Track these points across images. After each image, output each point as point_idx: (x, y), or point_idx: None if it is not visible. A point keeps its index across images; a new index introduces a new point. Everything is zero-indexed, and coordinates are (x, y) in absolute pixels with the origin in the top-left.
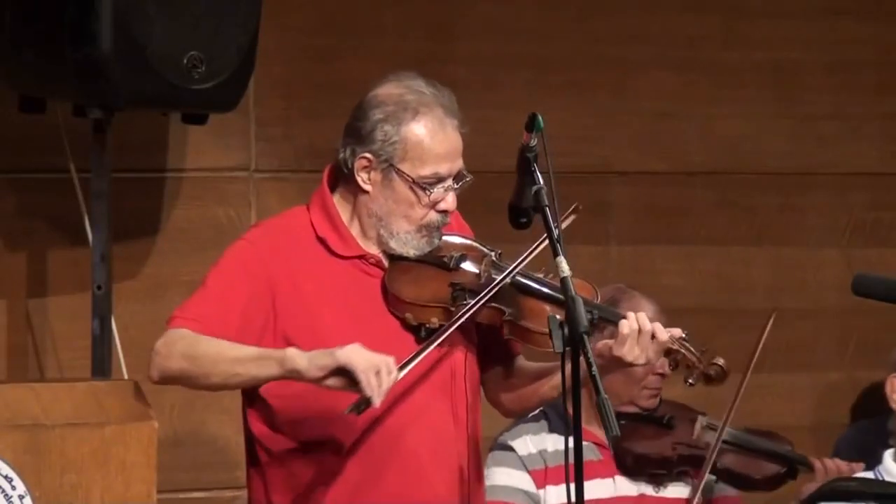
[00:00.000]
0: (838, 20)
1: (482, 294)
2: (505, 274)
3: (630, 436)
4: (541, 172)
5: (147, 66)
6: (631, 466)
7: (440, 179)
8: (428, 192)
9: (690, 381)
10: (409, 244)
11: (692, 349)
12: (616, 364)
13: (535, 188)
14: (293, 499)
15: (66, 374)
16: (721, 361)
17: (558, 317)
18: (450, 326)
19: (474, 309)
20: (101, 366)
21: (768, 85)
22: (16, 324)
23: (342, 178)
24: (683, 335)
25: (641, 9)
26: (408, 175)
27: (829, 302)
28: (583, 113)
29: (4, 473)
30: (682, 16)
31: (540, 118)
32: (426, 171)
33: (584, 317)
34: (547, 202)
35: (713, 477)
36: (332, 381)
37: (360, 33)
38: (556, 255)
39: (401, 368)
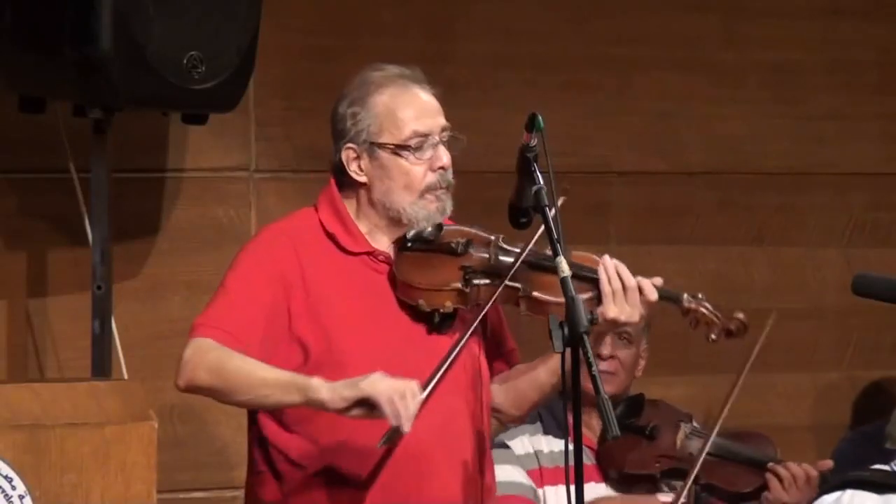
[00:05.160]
0: (838, 20)
1: (491, 299)
2: (525, 247)
3: (612, 450)
4: (541, 172)
5: (147, 66)
6: (615, 480)
7: (422, 136)
8: (413, 151)
9: (713, 336)
10: (419, 215)
11: (710, 307)
12: (612, 326)
13: (535, 188)
14: (306, 497)
15: (66, 374)
16: (741, 315)
17: (558, 315)
18: (463, 336)
19: (485, 310)
20: (101, 366)
21: (768, 85)
22: (16, 324)
23: (342, 187)
24: (699, 295)
25: (641, 9)
26: (389, 144)
27: (829, 302)
28: (583, 113)
29: (4, 473)
30: (682, 16)
31: (540, 118)
32: (405, 132)
33: (584, 317)
34: (547, 202)
35: (705, 494)
36: (356, 412)
37: (360, 33)
38: (556, 255)
39: (424, 389)
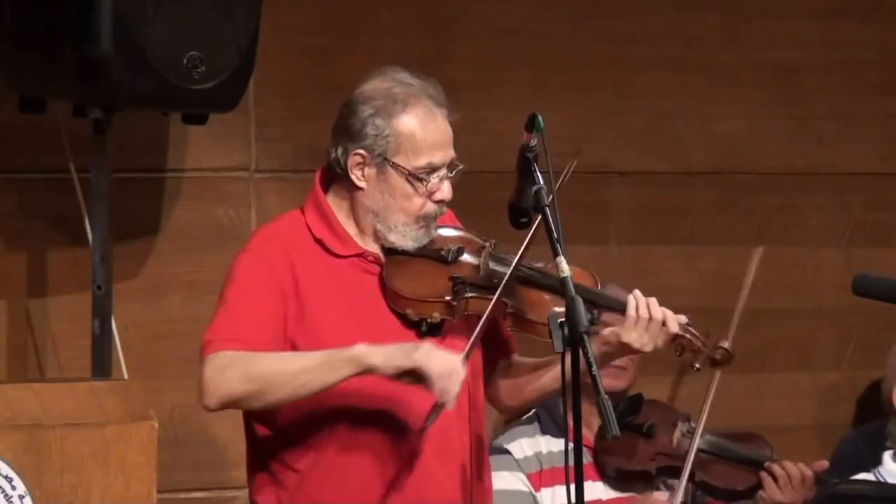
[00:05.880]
0: (838, 20)
1: (507, 276)
2: (515, 262)
3: (610, 447)
4: (541, 172)
5: (147, 66)
6: (612, 478)
7: (435, 169)
8: (424, 183)
9: (696, 365)
10: (407, 236)
11: (697, 334)
12: (622, 351)
13: (535, 188)
14: (302, 501)
15: (66, 374)
16: (726, 344)
17: (558, 313)
18: (489, 307)
19: (483, 322)
20: (101, 366)
21: (768, 85)
22: (16, 324)
23: (335, 180)
24: (686, 321)
25: (641, 9)
26: (403, 167)
27: (829, 302)
28: (583, 113)
29: (4, 473)
30: (682, 16)
31: (540, 118)
32: (421, 161)
33: (584, 317)
34: (547, 202)
35: (699, 491)
36: (405, 380)
37: (360, 33)
38: (556, 255)
39: (463, 363)
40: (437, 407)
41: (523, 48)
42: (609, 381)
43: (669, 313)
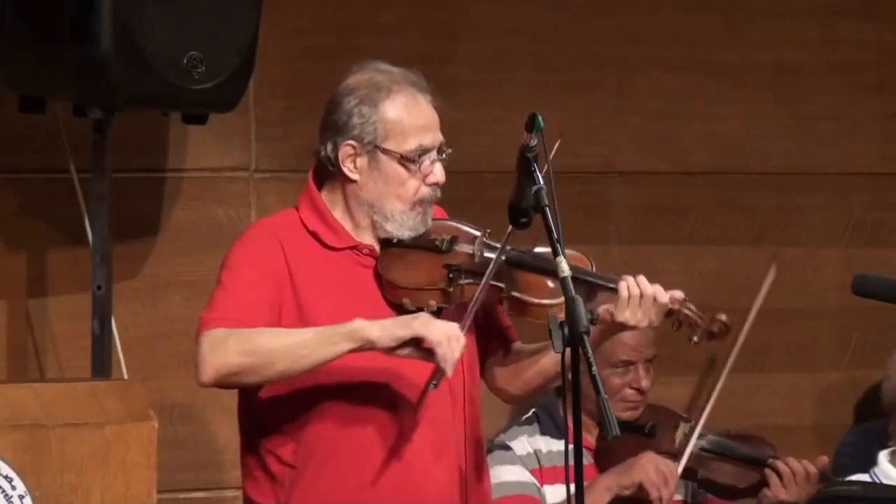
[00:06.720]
0: (838, 20)
1: (499, 252)
2: (495, 264)
3: (612, 448)
4: (541, 172)
5: (147, 66)
6: None
7: (425, 151)
8: (417, 164)
9: (694, 339)
10: (405, 224)
11: (693, 308)
12: (618, 329)
13: (535, 188)
14: (300, 498)
15: (66, 374)
16: (723, 317)
17: (559, 316)
18: (485, 280)
19: (475, 308)
20: (101, 366)
21: (768, 85)
22: (16, 324)
23: (327, 178)
24: (683, 296)
25: (641, 9)
26: (394, 152)
27: (829, 302)
28: (583, 113)
29: (4, 473)
30: (682, 16)
31: (540, 118)
32: (411, 144)
33: (584, 317)
34: (547, 202)
35: (701, 490)
36: (405, 351)
37: (360, 33)
38: (556, 255)
39: (462, 331)
40: (438, 373)
41: (523, 48)
42: (624, 413)
43: (660, 288)
